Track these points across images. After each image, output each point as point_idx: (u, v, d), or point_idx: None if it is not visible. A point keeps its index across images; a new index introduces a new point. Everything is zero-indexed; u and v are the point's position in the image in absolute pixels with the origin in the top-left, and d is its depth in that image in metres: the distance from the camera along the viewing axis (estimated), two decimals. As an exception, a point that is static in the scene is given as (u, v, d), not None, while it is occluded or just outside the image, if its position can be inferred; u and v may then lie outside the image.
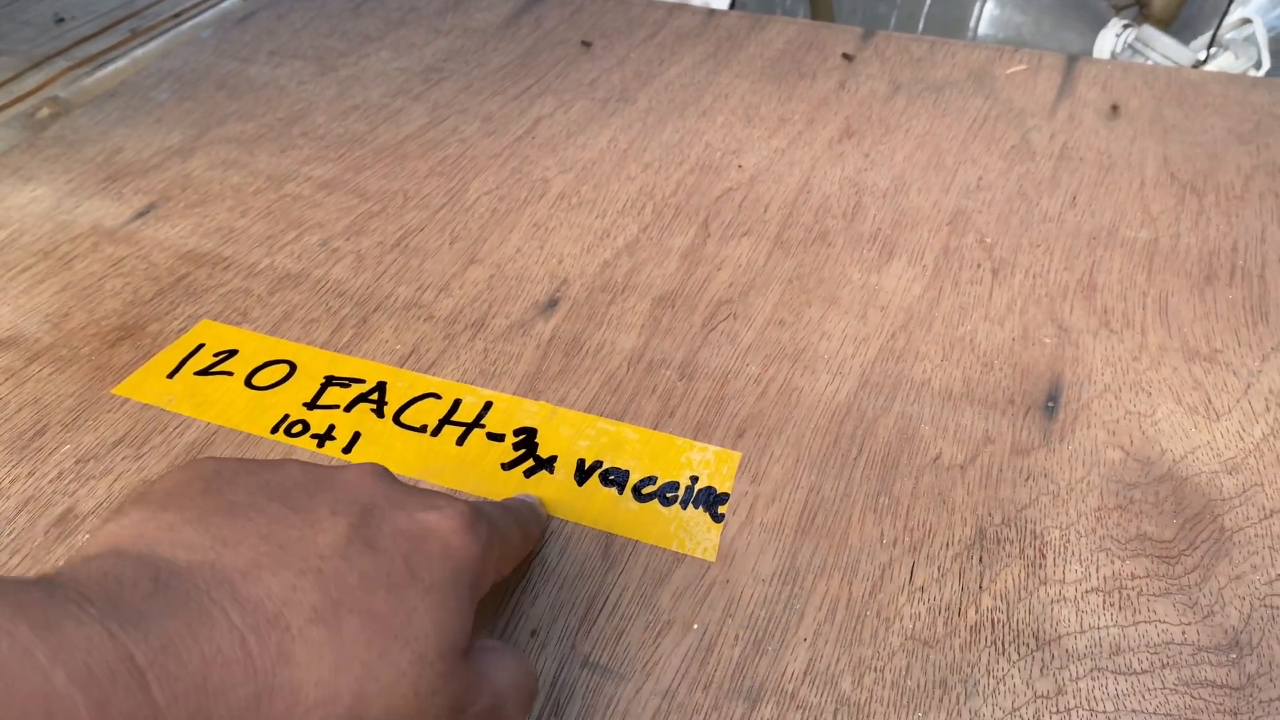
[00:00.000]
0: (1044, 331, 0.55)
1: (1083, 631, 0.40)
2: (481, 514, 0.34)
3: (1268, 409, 0.50)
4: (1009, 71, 0.81)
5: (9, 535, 0.45)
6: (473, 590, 0.32)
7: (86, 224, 0.65)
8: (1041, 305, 0.57)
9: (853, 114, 0.76)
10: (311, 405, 0.51)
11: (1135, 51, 1.10)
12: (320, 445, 0.49)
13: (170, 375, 0.53)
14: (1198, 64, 1.10)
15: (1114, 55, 1.15)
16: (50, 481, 0.48)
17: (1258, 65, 1.06)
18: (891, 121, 0.75)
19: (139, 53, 0.88)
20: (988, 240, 0.62)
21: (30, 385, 0.53)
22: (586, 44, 0.87)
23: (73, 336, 0.56)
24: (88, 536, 0.45)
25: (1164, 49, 1.08)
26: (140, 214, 0.66)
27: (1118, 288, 0.58)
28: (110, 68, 0.85)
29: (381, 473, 0.35)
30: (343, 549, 0.29)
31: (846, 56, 0.83)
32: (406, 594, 0.29)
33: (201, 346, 0.55)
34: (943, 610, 0.41)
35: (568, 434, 0.50)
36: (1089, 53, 1.16)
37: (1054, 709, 0.38)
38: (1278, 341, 0.54)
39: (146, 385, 0.53)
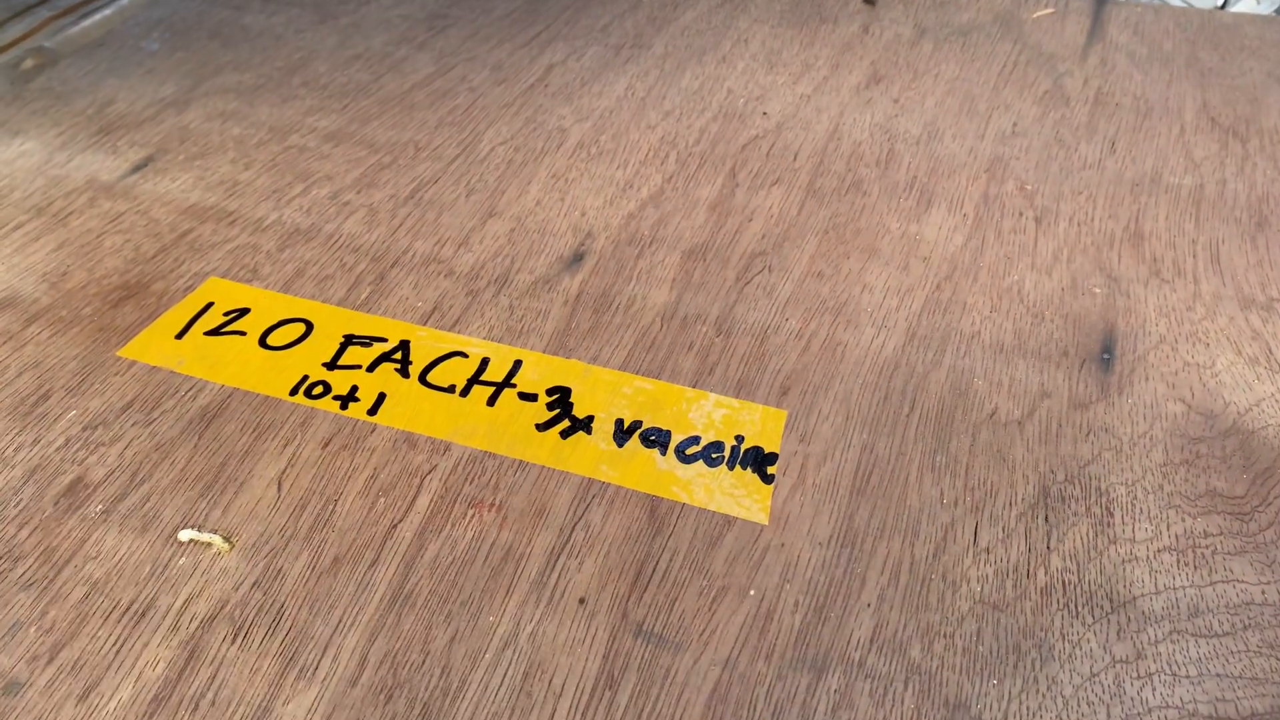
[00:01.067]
0: (1093, 281, 0.53)
1: (1158, 592, 0.39)
2: None
3: (1331, 359, 0.48)
4: (1036, 15, 0.78)
5: (16, 506, 0.43)
6: None
7: (81, 178, 0.62)
8: (1089, 254, 0.55)
9: (878, 59, 0.73)
10: (332, 366, 0.49)
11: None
12: (344, 407, 0.47)
13: (179, 336, 0.50)
14: (1219, 8, 1.07)
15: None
16: (57, 450, 0.45)
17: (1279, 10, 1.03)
18: (919, 66, 0.72)
19: (125, 1, 0.84)
20: (1028, 188, 0.60)
21: (30, 348, 0.50)
22: (596, -11, 0.83)
23: (72, 297, 0.53)
24: (101, 508, 0.42)
25: (1183, -6, 1.05)
26: (137, 168, 0.63)
27: (1165, 235, 0.56)
28: (96, 16, 0.81)
29: None
30: None
31: (868, 0, 0.80)
32: None
33: (210, 305, 0.52)
34: (1010, 572, 0.39)
35: (603, 393, 0.47)
36: None
37: (1134, 674, 0.36)
38: (1336, 289, 0.52)
39: (154, 347, 0.50)
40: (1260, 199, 0.58)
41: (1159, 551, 0.40)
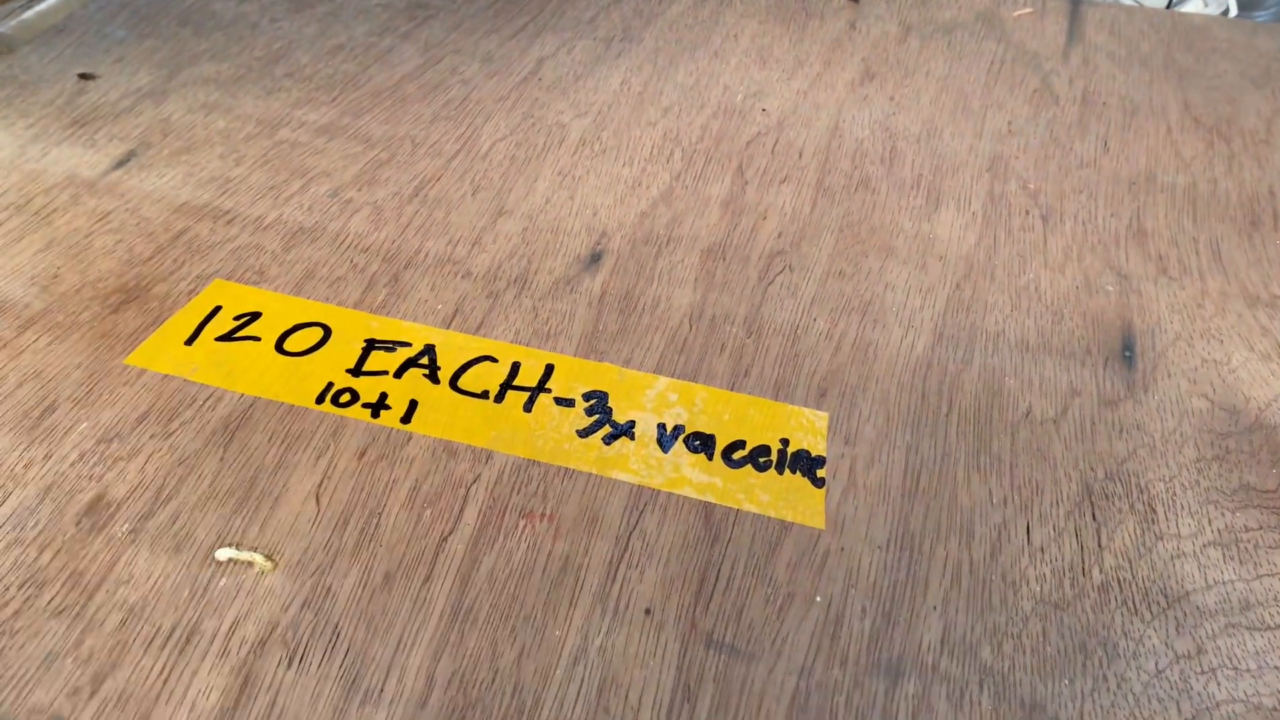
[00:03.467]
0: (1105, 279, 0.54)
1: (1209, 587, 0.39)
2: None
3: (1338, 354, 0.50)
4: (1016, 14, 0.79)
5: (34, 528, 0.40)
6: None
7: (60, 173, 0.58)
8: (1097, 252, 0.56)
9: (869, 56, 0.73)
10: (356, 372, 0.47)
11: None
12: (375, 415, 0.45)
13: (188, 342, 0.48)
14: (1169, 6, 1.11)
15: None
16: (72, 465, 0.43)
17: (1225, 11, 1.07)
18: (909, 64, 0.73)
19: (80, -16, 0.79)
20: (1031, 186, 0.61)
21: (27, 356, 0.47)
22: (577, -20, 0.82)
23: (67, 300, 0.50)
24: (128, 527, 0.40)
25: (1135, -7, 1.08)
26: (120, 163, 0.59)
27: (1167, 233, 0.57)
28: (50, 1, 0.77)
29: None
30: None
31: (851, -4, 0.81)
32: None
33: (219, 309, 0.50)
34: (1067, 571, 0.40)
35: (641, 397, 0.46)
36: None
37: (1198, 669, 0.37)
38: (1333, 286, 0.54)
39: (163, 354, 0.48)
40: (1250, 198, 0.60)
41: (1204, 546, 0.41)
